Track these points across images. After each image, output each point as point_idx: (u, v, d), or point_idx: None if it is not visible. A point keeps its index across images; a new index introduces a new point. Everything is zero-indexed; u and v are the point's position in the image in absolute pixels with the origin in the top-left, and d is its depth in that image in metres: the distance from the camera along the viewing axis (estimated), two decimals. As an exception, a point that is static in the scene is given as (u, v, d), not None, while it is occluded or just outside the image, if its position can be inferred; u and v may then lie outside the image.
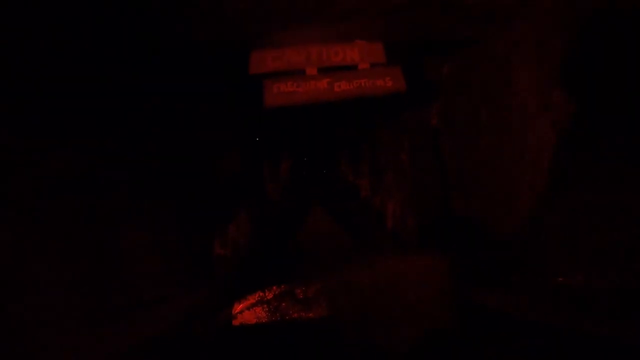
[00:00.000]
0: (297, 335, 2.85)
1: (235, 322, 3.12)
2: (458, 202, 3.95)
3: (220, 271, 3.97)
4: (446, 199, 4.11)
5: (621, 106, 2.37)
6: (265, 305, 3.33)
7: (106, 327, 2.52)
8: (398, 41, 3.14)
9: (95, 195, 2.67)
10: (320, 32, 2.86)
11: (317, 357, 2.49)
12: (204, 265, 3.77)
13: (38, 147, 2.34)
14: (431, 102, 4.15)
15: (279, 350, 2.65)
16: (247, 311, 3.27)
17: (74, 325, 2.34)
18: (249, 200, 5.13)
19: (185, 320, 2.96)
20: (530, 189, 2.94)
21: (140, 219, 3.03)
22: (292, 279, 3.74)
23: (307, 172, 8.96)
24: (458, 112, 3.80)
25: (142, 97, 3.14)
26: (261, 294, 3.53)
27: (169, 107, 3.45)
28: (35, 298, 2.18)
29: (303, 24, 2.72)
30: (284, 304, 3.33)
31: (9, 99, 2.21)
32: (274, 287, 3.61)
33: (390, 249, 4.74)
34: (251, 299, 3.45)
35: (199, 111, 3.92)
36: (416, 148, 4.60)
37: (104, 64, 2.78)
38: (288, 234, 5.66)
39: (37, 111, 2.36)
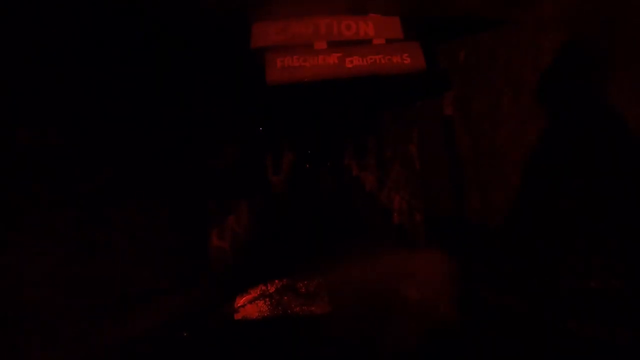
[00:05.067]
0: (299, 329, 2.77)
1: (238, 316, 3.04)
2: (473, 197, 3.74)
3: (219, 264, 3.85)
4: (458, 193, 3.92)
5: None
6: (267, 299, 3.25)
7: (102, 322, 2.46)
8: (414, 18, 2.92)
9: (88, 190, 2.60)
10: (331, 4, 2.62)
11: (319, 352, 2.42)
12: (202, 258, 3.67)
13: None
14: (445, 90, 3.95)
15: (281, 345, 2.57)
16: (249, 305, 3.20)
17: (70, 321, 2.30)
18: (250, 192, 5.04)
19: (186, 313, 2.88)
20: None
21: (134, 211, 2.93)
22: (293, 272, 3.68)
23: (311, 164, 8.88)
24: (475, 101, 3.58)
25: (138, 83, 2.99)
26: (263, 287, 3.46)
27: (165, 94, 3.28)
28: (32, 296, 2.17)
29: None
30: (286, 298, 3.26)
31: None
32: (276, 281, 3.56)
33: (396, 245, 4.62)
34: (253, 293, 3.38)
35: (197, 99, 3.76)
36: (426, 139, 4.40)
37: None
38: (290, 227, 5.57)
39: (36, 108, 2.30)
